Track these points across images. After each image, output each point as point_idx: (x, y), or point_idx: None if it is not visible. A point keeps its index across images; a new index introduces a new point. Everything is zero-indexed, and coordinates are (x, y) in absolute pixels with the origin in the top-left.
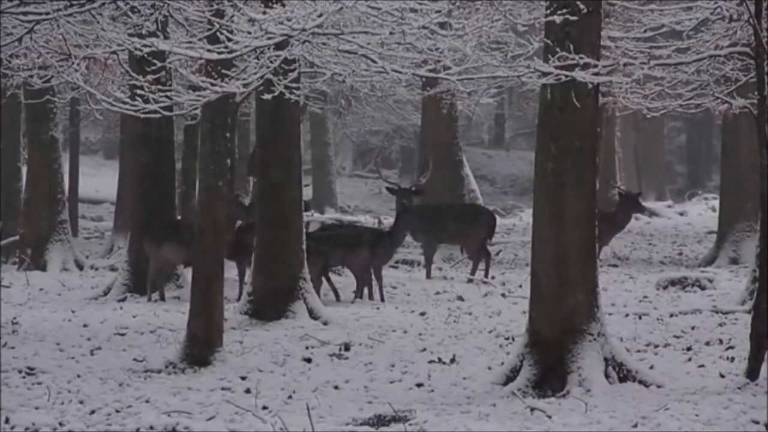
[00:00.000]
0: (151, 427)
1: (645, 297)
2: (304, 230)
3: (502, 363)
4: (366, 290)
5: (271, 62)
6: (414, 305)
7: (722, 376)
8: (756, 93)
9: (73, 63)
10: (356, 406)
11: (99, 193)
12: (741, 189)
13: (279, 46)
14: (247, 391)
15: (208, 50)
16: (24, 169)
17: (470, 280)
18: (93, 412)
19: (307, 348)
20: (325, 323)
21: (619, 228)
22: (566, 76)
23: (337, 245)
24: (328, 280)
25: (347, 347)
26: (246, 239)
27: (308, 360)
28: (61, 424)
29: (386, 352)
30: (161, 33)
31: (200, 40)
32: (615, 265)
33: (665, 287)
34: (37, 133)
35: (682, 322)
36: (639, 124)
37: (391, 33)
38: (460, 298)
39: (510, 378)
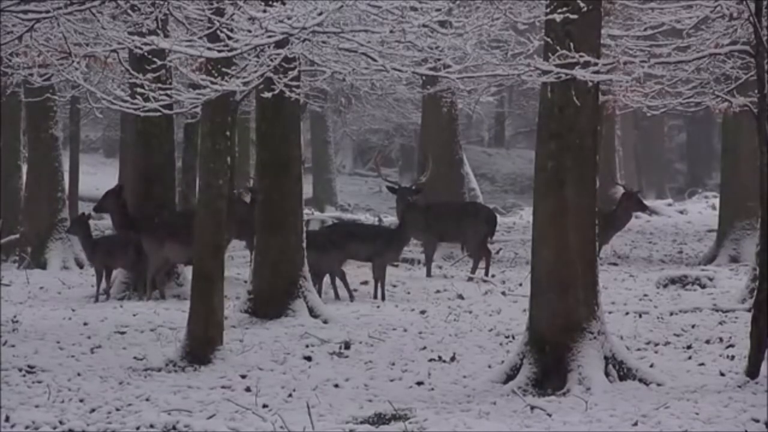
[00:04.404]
0: (152, 426)
1: (645, 295)
2: (305, 228)
3: (503, 361)
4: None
5: (271, 60)
6: (414, 303)
7: (722, 374)
8: (756, 91)
9: (73, 61)
10: (356, 404)
11: (99, 192)
12: (741, 187)
13: (279, 45)
14: (248, 389)
15: (208, 48)
16: (24, 168)
17: (470, 279)
18: (93, 410)
19: (307, 346)
20: (325, 321)
21: (619, 226)
22: (566, 74)
23: (352, 240)
24: (332, 279)
25: (347, 345)
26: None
27: (308, 358)
28: (61, 422)
29: (386, 350)
30: (161, 31)
31: (200, 38)
32: (615, 264)
33: (665, 285)
34: (38, 132)
35: (683, 320)
36: (639, 122)
37: (391, 31)
38: (461, 297)
39: (510, 376)
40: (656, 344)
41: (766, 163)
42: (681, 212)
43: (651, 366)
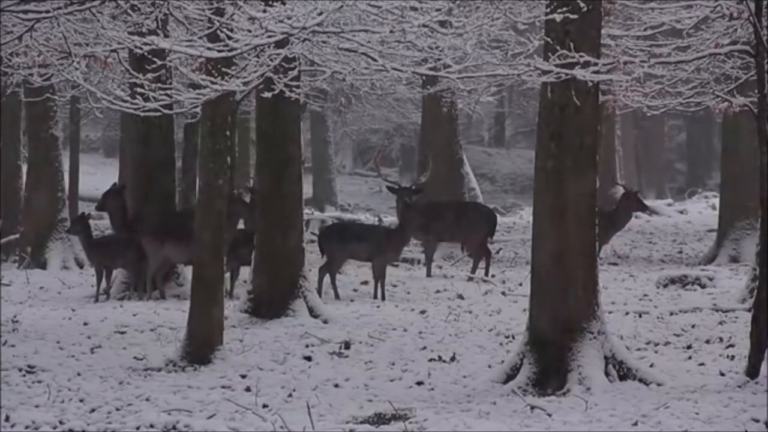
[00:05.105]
0: (152, 426)
1: (645, 295)
2: (305, 228)
3: (503, 361)
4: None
5: (271, 60)
6: (414, 303)
7: (722, 374)
8: (756, 91)
9: (73, 61)
10: (356, 404)
11: (99, 192)
12: (741, 187)
13: (279, 45)
14: (248, 389)
15: (209, 48)
16: (24, 168)
17: (470, 279)
18: (93, 410)
19: (307, 346)
20: (325, 321)
21: (619, 226)
22: (566, 74)
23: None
24: (332, 279)
25: (347, 345)
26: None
27: (308, 358)
28: (61, 422)
29: (386, 350)
30: (161, 31)
31: (200, 38)
32: (615, 264)
33: (665, 285)
34: (38, 132)
35: (683, 320)
36: (639, 122)
37: (391, 31)
38: (461, 297)
39: (510, 376)
40: (656, 344)
41: (766, 163)
42: (681, 212)
43: (651, 366)
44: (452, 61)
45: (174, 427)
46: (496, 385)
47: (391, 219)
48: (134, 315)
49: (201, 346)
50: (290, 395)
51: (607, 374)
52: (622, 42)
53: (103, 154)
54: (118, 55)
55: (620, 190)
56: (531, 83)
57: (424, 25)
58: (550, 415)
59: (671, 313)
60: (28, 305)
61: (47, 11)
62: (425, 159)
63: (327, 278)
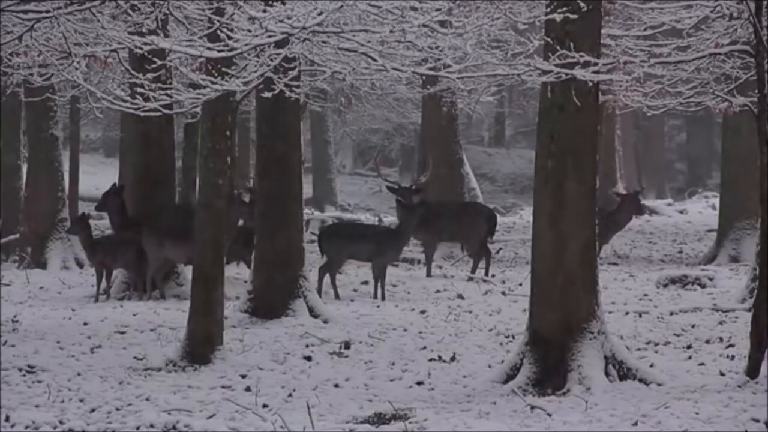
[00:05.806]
0: (152, 425)
1: (645, 295)
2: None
3: (503, 361)
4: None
5: (271, 60)
6: (414, 303)
7: (722, 374)
8: (756, 91)
9: (73, 61)
10: (356, 404)
11: (99, 192)
12: (741, 187)
13: (279, 44)
14: (248, 389)
15: (209, 48)
16: (24, 167)
17: (471, 279)
18: (93, 410)
19: (307, 346)
20: (325, 321)
21: (619, 226)
22: (566, 74)
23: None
24: (332, 279)
25: (347, 345)
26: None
27: (308, 358)
28: (61, 422)
29: (386, 350)
30: (161, 31)
31: (200, 38)
32: (615, 264)
33: (665, 285)
34: (38, 131)
35: (683, 320)
36: (639, 122)
37: (391, 31)
38: (461, 297)
39: (510, 376)
40: (656, 344)
41: (766, 163)
42: (681, 212)
43: (651, 366)
44: (452, 61)
45: (174, 427)
46: (496, 385)
47: (391, 219)
48: (134, 315)
49: (201, 346)
50: (290, 395)
51: (607, 374)
52: (622, 42)
53: (103, 154)
54: (118, 55)
55: (621, 190)
56: (531, 83)
57: (424, 25)
58: (550, 415)
59: (671, 313)
60: (28, 305)
61: (47, 11)
62: (425, 159)
63: (327, 278)
